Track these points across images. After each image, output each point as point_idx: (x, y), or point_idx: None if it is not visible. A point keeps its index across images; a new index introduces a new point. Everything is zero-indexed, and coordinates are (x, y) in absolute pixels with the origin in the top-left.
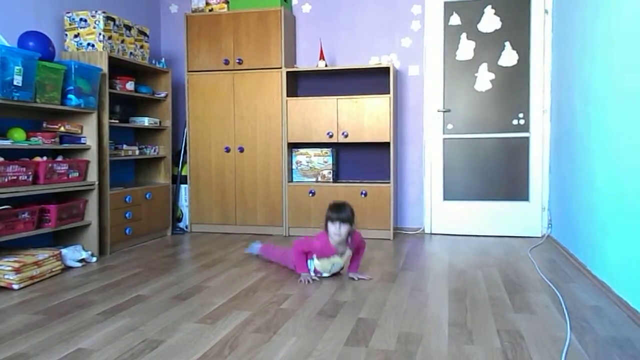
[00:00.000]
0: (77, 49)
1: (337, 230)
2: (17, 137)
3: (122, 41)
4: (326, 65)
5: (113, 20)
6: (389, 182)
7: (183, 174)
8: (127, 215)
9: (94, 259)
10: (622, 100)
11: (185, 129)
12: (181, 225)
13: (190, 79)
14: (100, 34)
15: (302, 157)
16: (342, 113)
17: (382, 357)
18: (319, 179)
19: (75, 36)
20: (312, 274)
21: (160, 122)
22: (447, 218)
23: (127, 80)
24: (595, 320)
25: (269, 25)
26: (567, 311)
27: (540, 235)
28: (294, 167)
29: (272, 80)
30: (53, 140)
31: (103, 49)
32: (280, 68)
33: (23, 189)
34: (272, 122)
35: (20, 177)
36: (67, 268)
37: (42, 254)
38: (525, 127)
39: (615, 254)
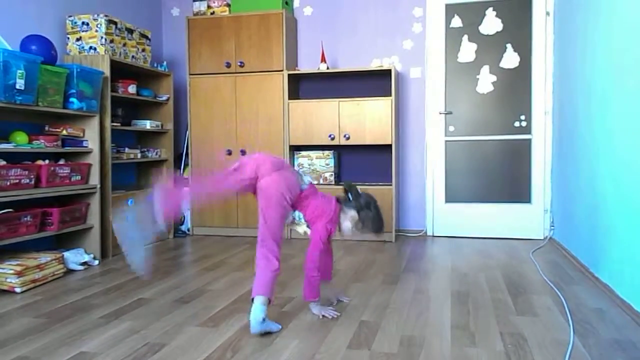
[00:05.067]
0: (79, 53)
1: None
2: (20, 141)
3: (124, 44)
4: (328, 68)
5: (115, 23)
6: (390, 185)
7: (185, 176)
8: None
9: (96, 262)
10: (625, 101)
11: (187, 132)
12: (183, 228)
13: (192, 82)
14: (102, 37)
15: (303, 159)
16: (343, 115)
17: None
18: (321, 182)
19: (78, 39)
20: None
21: (162, 125)
22: (449, 220)
23: (129, 84)
24: (599, 323)
25: (270, 28)
26: (570, 314)
27: (542, 238)
28: (295, 169)
29: (274, 82)
30: (55, 143)
31: (105, 52)
32: (282, 71)
33: (25, 192)
34: (273, 124)
35: (22, 181)
36: (70, 271)
37: (45, 257)
38: (527, 129)
39: (619, 256)
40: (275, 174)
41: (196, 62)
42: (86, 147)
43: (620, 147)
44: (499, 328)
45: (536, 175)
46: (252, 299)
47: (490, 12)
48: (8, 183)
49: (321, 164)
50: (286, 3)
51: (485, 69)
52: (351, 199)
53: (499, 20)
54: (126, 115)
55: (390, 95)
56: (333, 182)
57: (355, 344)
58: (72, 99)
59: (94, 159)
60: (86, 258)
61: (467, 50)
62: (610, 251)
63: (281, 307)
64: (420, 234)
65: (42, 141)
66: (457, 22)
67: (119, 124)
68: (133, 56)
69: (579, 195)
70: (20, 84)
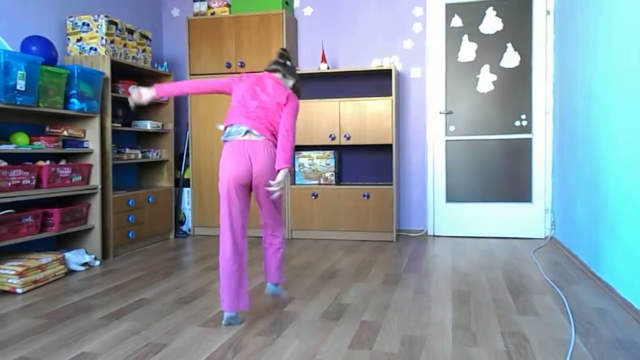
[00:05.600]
0: (80, 53)
1: None
2: (21, 142)
3: (125, 45)
4: (328, 68)
5: (115, 24)
6: (391, 184)
7: (185, 177)
8: (129, 218)
9: (97, 262)
10: (626, 101)
11: (188, 132)
12: (184, 228)
13: None
14: (102, 38)
15: (304, 159)
16: (344, 115)
17: None
18: (322, 182)
19: (78, 40)
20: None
21: (162, 126)
22: (450, 220)
23: (130, 84)
24: (600, 322)
25: (270, 28)
26: (572, 313)
27: (543, 237)
28: (296, 169)
29: None
30: (56, 144)
31: (105, 53)
32: None
33: (26, 193)
34: None
35: (23, 181)
36: (71, 272)
37: (46, 258)
38: (528, 129)
39: (620, 256)
40: (262, 157)
41: (196, 63)
42: (87, 147)
43: (621, 146)
44: (500, 328)
45: (537, 175)
46: (270, 283)
47: (490, 12)
48: (9, 184)
49: (322, 164)
50: (286, 3)
51: (486, 68)
52: (290, 66)
53: (499, 20)
54: (127, 115)
55: (391, 95)
56: (334, 182)
57: (356, 344)
58: (72, 100)
59: (94, 160)
60: (87, 259)
61: (468, 50)
62: (612, 250)
63: (282, 307)
64: (421, 233)
65: (43, 142)
66: (457, 21)
67: (119, 125)
68: (133, 57)
69: (579, 194)
70: (20, 84)
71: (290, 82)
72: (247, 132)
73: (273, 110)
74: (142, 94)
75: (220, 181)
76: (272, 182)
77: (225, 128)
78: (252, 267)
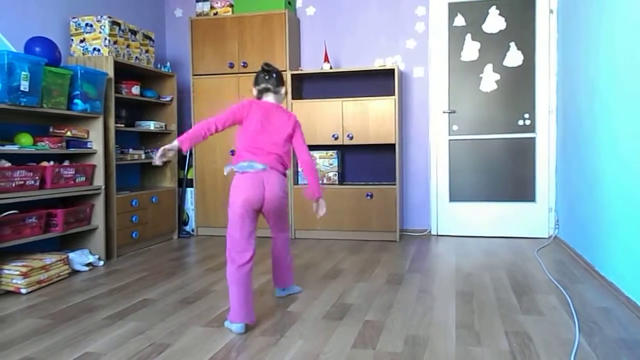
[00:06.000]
0: (83, 54)
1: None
2: (24, 142)
3: (128, 46)
4: (331, 68)
5: (118, 25)
6: (394, 184)
7: (189, 177)
8: (133, 219)
9: (101, 262)
10: (629, 100)
11: None
12: (187, 228)
13: (196, 83)
14: (105, 38)
15: None
16: (347, 115)
17: (389, 359)
18: (325, 181)
19: (81, 41)
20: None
21: (165, 126)
22: (454, 219)
23: (133, 85)
24: (604, 322)
25: (273, 28)
26: (576, 312)
27: (547, 236)
28: (299, 169)
29: None
30: (60, 145)
31: (109, 53)
32: (285, 71)
33: (30, 194)
34: None
35: (27, 182)
36: (75, 272)
37: (50, 258)
38: (531, 128)
39: (624, 255)
40: (273, 182)
41: (199, 63)
42: (90, 148)
43: (623, 145)
44: (504, 327)
45: (540, 174)
46: (282, 288)
47: (493, 11)
48: (13, 185)
49: (325, 164)
50: (289, 3)
51: (489, 67)
52: (276, 78)
53: (502, 19)
54: (130, 116)
55: (394, 95)
56: (337, 182)
57: (359, 344)
58: (76, 101)
59: (98, 160)
60: (91, 259)
61: (471, 49)
62: (615, 249)
63: (286, 307)
64: (425, 233)
65: (47, 143)
66: (460, 20)
67: (122, 125)
68: (137, 57)
69: (583, 193)
70: (24, 85)
71: (283, 90)
72: (262, 169)
73: (282, 141)
74: (166, 151)
75: (231, 205)
76: (321, 213)
77: (237, 162)
78: (254, 268)
